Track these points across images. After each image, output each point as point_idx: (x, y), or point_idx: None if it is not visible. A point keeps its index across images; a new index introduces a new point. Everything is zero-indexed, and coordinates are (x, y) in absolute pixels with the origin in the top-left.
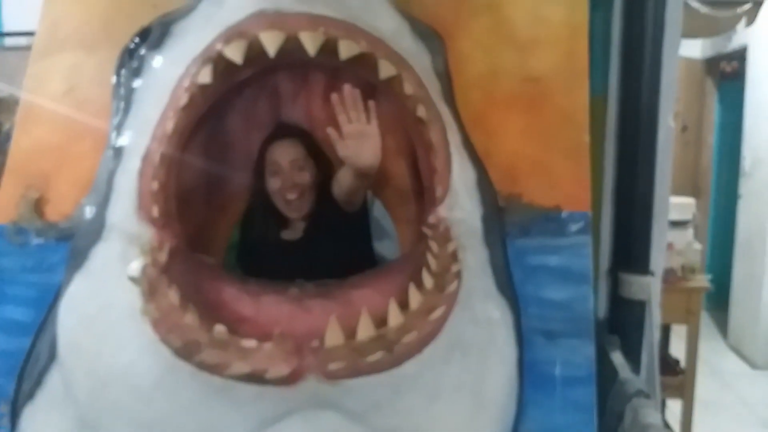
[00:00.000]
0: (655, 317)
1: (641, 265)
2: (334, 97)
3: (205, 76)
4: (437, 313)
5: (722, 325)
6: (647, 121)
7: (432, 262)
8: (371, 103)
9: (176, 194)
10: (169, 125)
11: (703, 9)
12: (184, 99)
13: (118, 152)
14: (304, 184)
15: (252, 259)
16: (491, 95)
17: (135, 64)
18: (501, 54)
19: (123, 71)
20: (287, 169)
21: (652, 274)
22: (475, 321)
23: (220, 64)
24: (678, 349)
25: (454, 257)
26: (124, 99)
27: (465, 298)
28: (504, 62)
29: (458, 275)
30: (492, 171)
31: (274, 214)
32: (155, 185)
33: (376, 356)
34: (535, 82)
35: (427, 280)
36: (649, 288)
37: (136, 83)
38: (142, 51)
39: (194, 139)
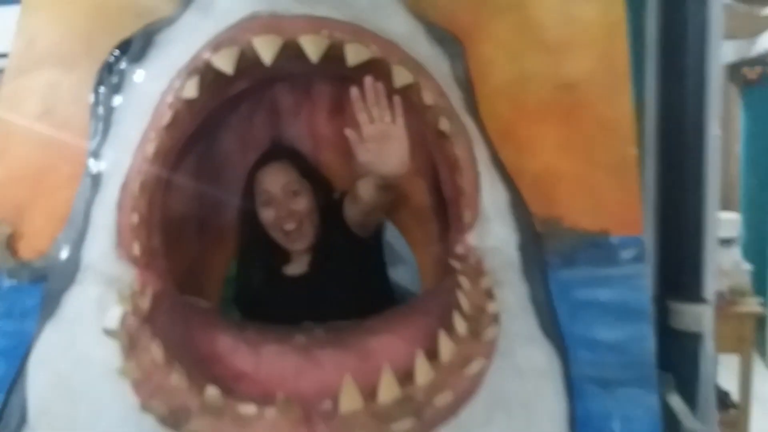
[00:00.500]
0: (709, 350)
1: (694, 292)
2: (354, 92)
3: (191, 90)
4: (474, 366)
5: (760, 346)
6: (693, 129)
7: (464, 301)
8: (397, 100)
9: (163, 227)
10: (150, 148)
11: (741, 7)
12: (166, 117)
13: (96, 180)
14: (302, 210)
15: (251, 300)
16: (520, 105)
17: (115, 79)
18: (529, 58)
19: (102, 88)
20: (280, 196)
21: (705, 301)
22: (519, 372)
23: (209, 76)
24: (723, 379)
25: (489, 295)
26: (103, 119)
27: (505, 345)
28: (533, 67)
29: (496, 318)
30: (526, 191)
31: (272, 248)
32: (135, 218)
33: (403, 424)
34: (570, 89)
35: (460, 325)
36: (703, 318)
37: (116, 101)
38: (123, 65)
39: (183, 162)
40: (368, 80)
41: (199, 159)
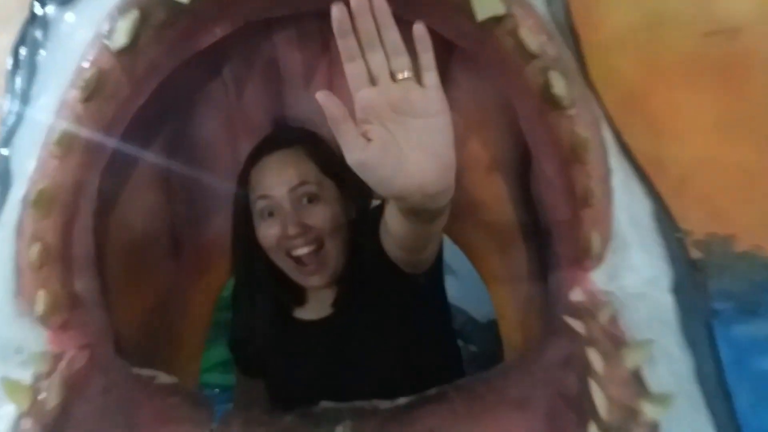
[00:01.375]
0: None
1: None
2: (336, 14)
3: (122, 35)
4: None
5: None
6: None
7: (601, 401)
8: (421, 32)
9: (107, 254)
10: (57, 133)
11: None
12: (83, 82)
13: (5, 185)
14: (321, 226)
15: (248, 353)
16: (653, 62)
17: (39, 34)
18: None
19: (23, 49)
20: (287, 203)
21: None
22: None
23: (155, 13)
24: None
25: (639, 383)
26: (21, 91)
27: None
28: (671, 5)
29: (655, 428)
30: (670, 196)
31: (278, 282)
32: (35, 251)
33: None
34: (729, 38)
35: None
36: None
37: (38, 62)
38: (50, 11)
39: (142, 155)
40: None
41: (168, 150)
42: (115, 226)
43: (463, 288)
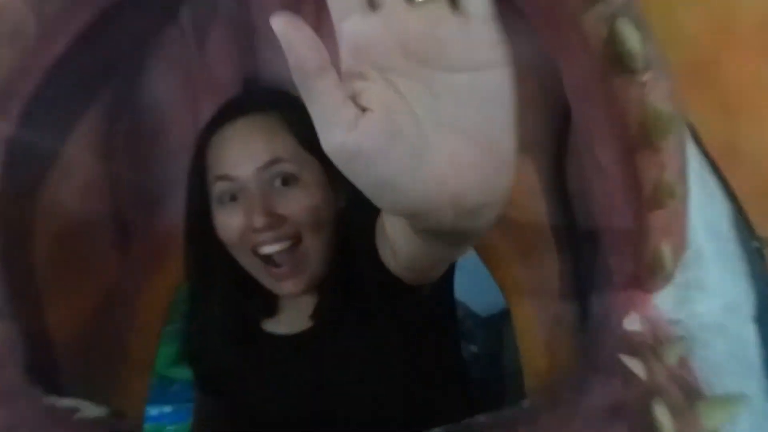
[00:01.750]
0: None
1: None
2: None
3: None
4: None
5: None
6: None
7: None
8: None
9: (42, 243)
10: None
11: None
12: None
13: None
14: (300, 217)
15: (206, 369)
16: (729, 22)
17: None
18: None
19: None
20: (254, 185)
21: None
22: None
23: None
24: None
25: None
26: None
27: None
28: None
29: None
30: (745, 194)
31: (241, 286)
32: None
33: None
34: None
35: None
36: None
37: None
38: None
39: (77, 122)
40: None
41: (112, 114)
42: (45, 209)
43: (461, 275)
